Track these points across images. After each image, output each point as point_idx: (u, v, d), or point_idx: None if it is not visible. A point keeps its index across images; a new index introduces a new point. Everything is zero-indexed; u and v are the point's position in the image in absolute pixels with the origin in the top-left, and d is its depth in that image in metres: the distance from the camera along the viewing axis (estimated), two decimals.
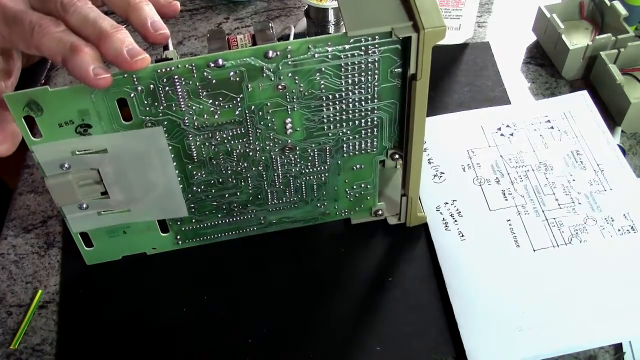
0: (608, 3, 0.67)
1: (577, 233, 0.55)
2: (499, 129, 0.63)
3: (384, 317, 0.51)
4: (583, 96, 0.65)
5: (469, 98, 0.66)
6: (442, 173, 0.60)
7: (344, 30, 0.42)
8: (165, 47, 0.49)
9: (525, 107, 0.65)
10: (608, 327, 0.50)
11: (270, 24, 0.48)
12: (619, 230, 0.55)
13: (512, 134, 0.62)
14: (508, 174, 0.59)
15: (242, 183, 0.51)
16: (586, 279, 0.52)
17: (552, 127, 0.62)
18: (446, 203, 0.57)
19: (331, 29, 0.69)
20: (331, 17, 0.68)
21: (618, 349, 0.49)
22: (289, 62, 0.43)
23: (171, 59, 0.47)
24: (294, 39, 0.48)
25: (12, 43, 0.41)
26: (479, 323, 0.50)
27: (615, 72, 0.62)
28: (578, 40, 0.68)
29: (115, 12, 0.41)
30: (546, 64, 0.69)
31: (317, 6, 0.67)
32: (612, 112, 0.64)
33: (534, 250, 0.54)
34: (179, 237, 0.54)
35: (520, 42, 0.72)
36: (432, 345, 0.50)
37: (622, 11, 0.65)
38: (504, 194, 0.58)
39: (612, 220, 0.55)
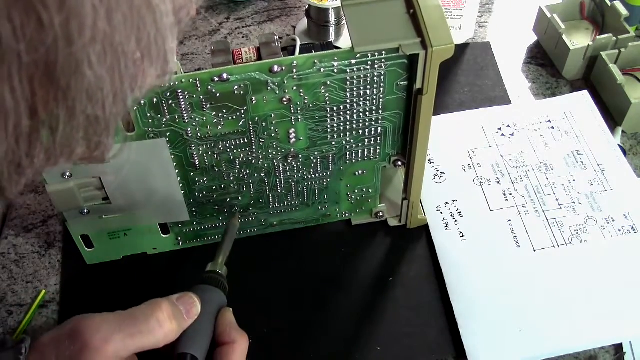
0: (609, 3, 0.67)
1: (577, 233, 0.55)
2: (500, 129, 0.63)
3: (384, 317, 0.51)
4: (584, 96, 0.65)
5: (469, 98, 0.66)
6: (442, 173, 0.60)
7: (348, 38, 0.42)
8: None
9: (526, 107, 0.64)
10: (608, 327, 0.50)
11: (275, 37, 0.48)
12: (619, 230, 0.54)
13: (512, 134, 0.62)
14: (508, 174, 0.59)
15: (244, 188, 0.51)
16: (586, 279, 0.52)
17: (552, 127, 0.62)
18: (447, 203, 0.57)
19: (332, 29, 0.69)
20: (332, 17, 0.68)
21: (618, 349, 0.49)
22: (294, 77, 0.43)
23: (175, 72, 0.47)
24: (299, 48, 0.48)
25: None
26: (479, 323, 0.50)
27: (616, 73, 0.62)
28: (579, 41, 0.68)
29: None
30: (547, 64, 0.69)
31: (318, 6, 0.67)
32: (612, 112, 0.64)
33: (535, 250, 0.54)
34: (179, 238, 0.54)
35: (521, 42, 0.72)
36: (432, 345, 0.50)
37: (623, 11, 0.65)
38: (505, 194, 0.58)
39: (613, 221, 0.55)
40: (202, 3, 0.72)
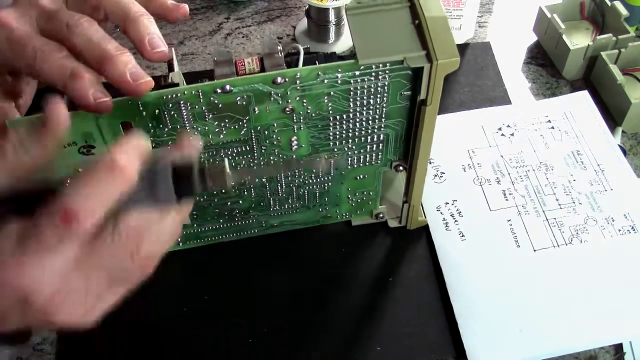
0: (609, 3, 0.67)
1: (577, 233, 0.55)
2: (500, 129, 0.63)
3: (384, 317, 0.51)
4: (584, 96, 0.65)
5: (469, 98, 0.66)
6: (442, 173, 0.60)
7: (350, 44, 0.41)
8: (170, 68, 0.48)
9: (526, 107, 0.64)
10: (608, 327, 0.50)
11: (279, 47, 0.47)
12: (619, 230, 0.55)
13: (512, 134, 0.62)
14: (509, 174, 0.59)
15: (245, 193, 0.51)
16: (586, 279, 0.52)
17: (552, 127, 0.62)
18: (447, 203, 0.57)
19: (332, 29, 0.69)
20: (332, 17, 0.68)
21: (618, 349, 0.49)
22: (298, 87, 0.43)
23: (177, 84, 0.46)
24: (303, 58, 0.47)
25: (16, 66, 0.39)
26: (479, 323, 0.50)
27: (616, 73, 0.62)
28: (579, 41, 0.68)
29: (116, 25, 0.40)
30: (547, 64, 0.69)
31: (318, 6, 0.67)
32: (612, 112, 0.64)
33: (535, 250, 0.54)
34: (179, 239, 0.54)
35: (521, 42, 0.72)
36: (432, 345, 0.50)
37: (623, 11, 0.65)
38: (505, 194, 0.58)
39: (613, 221, 0.55)
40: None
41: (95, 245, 0.32)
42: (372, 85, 0.43)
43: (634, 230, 0.54)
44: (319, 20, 0.69)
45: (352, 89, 0.43)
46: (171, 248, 0.54)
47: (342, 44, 0.70)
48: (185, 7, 0.43)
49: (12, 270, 0.31)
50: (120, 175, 0.32)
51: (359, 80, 0.43)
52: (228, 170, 0.35)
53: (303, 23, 0.72)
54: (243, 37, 0.73)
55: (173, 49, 0.53)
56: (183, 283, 0.54)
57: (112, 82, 0.38)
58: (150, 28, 0.39)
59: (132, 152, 0.33)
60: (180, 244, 0.55)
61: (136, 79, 0.37)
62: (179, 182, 0.34)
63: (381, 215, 0.56)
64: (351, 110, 0.45)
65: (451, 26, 0.69)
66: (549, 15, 0.67)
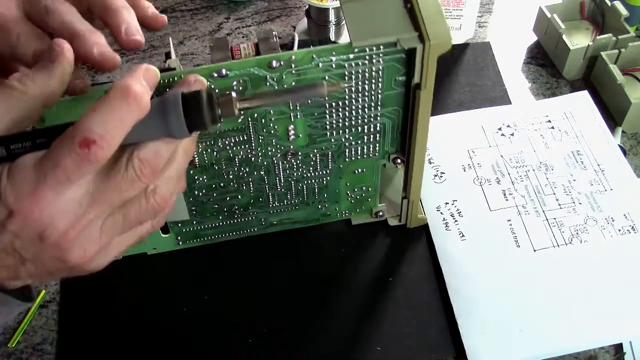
0: (609, 3, 0.67)
1: (577, 233, 0.55)
2: (500, 129, 0.63)
3: (384, 317, 0.51)
4: (584, 96, 0.65)
5: (469, 98, 0.66)
6: (442, 173, 0.60)
7: (348, 37, 0.42)
8: (168, 56, 0.49)
9: (526, 107, 0.64)
10: (608, 327, 0.50)
11: (274, 32, 0.48)
12: (619, 230, 0.54)
13: (512, 134, 0.62)
14: (508, 174, 0.59)
15: (244, 187, 0.51)
16: (586, 279, 0.52)
17: (552, 127, 0.62)
18: (447, 203, 0.57)
19: (332, 29, 0.69)
20: (332, 17, 0.68)
21: (618, 349, 0.49)
22: (293, 72, 0.43)
23: (174, 68, 0.46)
24: (298, 44, 0.47)
25: (1, 50, 0.40)
26: (479, 323, 0.50)
27: (616, 73, 0.62)
28: (579, 41, 0.68)
29: (96, 17, 0.41)
30: (547, 64, 0.69)
31: (318, 6, 0.67)
32: (612, 112, 0.64)
33: (535, 250, 0.54)
34: (179, 237, 0.54)
35: (521, 42, 0.72)
36: (432, 345, 0.50)
37: (623, 11, 0.65)
38: (505, 194, 0.58)
39: (613, 221, 0.55)
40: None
41: (110, 177, 0.32)
42: (367, 70, 0.44)
43: (634, 230, 0.54)
44: (319, 20, 0.69)
45: (347, 73, 0.44)
46: (171, 248, 0.55)
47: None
48: (164, 18, 0.43)
49: (28, 201, 0.31)
50: (135, 102, 0.32)
51: (353, 65, 0.43)
52: (235, 95, 0.35)
53: (303, 23, 0.72)
54: (243, 37, 0.73)
55: (170, 38, 0.54)
56: (183, 283, 0.54)
57: (81, 59, 0.38)
58: (128, 19, 0.40)
59: (144, 80, 0.33)
60: (180, 243, 0.55)
61: (103, 55, 0.37)
62: (189, 112, 0.33)
63: (381, 214, 0.56)
64: (347, 97, 0.45)
65: (451, 26, 0.69)
66: (549, 15, 0.67)
